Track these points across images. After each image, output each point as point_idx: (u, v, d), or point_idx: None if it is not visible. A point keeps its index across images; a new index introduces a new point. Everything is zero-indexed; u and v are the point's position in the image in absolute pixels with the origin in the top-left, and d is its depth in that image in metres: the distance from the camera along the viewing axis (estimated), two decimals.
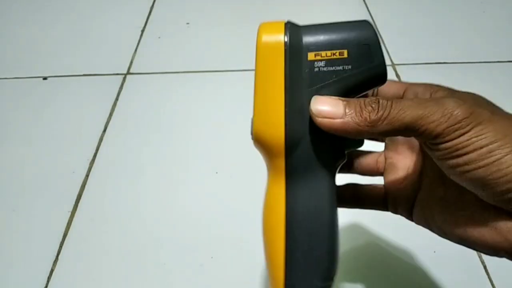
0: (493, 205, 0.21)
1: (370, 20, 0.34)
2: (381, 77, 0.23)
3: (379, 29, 0.68)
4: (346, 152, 0.24)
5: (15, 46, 0.67)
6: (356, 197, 0.29)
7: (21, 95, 0.58)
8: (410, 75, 0.59)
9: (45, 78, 0.61)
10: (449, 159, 0.20)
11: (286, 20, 0.23)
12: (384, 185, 0.28)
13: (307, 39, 0.22)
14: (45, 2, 0.76)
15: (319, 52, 0.22)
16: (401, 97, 0.25)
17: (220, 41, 0.66)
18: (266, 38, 0.22)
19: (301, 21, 0.23)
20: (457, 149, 0.20)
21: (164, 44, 0.66)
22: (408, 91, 0.25)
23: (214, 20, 0.71)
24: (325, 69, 0.22)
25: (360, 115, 0.21)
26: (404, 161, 0.27)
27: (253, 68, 0.23)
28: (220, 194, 0.45)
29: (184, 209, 0.44)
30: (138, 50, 0.65)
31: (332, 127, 0.21)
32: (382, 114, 0.21)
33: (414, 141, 0.27)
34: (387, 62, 0.61)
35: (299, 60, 0.22)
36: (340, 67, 0.22)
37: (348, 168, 0.29)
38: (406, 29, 0.68)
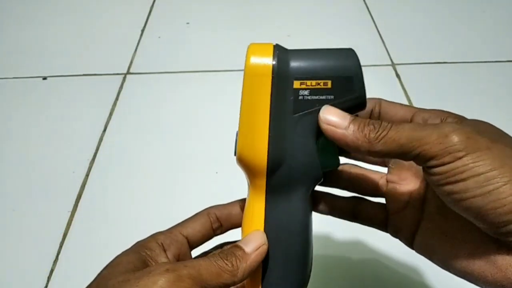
0: (494, 239, 0.20)
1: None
2: (361, 106, 0.24)
3: (379, 29, 0.68)
4: (322, 172, 0.25)
5: (15, 46, 0.67)
6: (357, 212, 0.28)
7: (21, 95, 0.58)
8: (410, 75, 0.59)
9: (44, 78, 0.61)
10: (445, 185, 0.20)
11: (274, 43, 0.24)
12: (385, 208, 0.28)
13: (294, 65, 0.23)
14: (45, 2, 0.76)
15: (305, 81, 0.23)
16: (408, 122, 0.25)
17: (220, 41, 0.66)
18: (255, 60, 0.23)
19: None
20: (454, 174, 0.20)
21: (164, 44, 0.66)
22: (416, 116, 0.25)
23: (214, 20, 0.71)
24: (309, 97, 0.23)
25: (361, 131, 0.22)
26: (406, 187, 0.27)
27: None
28: (220, 194, 0.45)
29: (184, 209, 0.44)
30: (138, 50, 0.65)
31: (334, 135, 0.22)
32: (380, 134, 0.21)
33: (419, 168, 0.26)
34: (388, 62, 0.61)
35: (285, 87, 0.23)
36: (323, 97, 0.23)
37: (345, 186, 0.29)
38: (406, 29, 0.68)
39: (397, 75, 0.59)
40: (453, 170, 0.19)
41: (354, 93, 0.23)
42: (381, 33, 0.67)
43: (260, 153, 0.23)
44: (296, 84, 0.23)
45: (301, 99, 0.23)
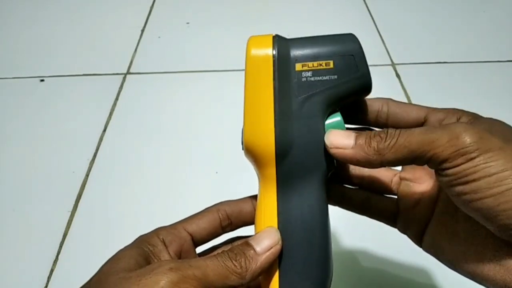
0: (505, 242, 0.20)
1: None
2: (367, 87, 0.24)
3: (379, 29, 0.68)
4: (335, 160, 0.24)
5: (15, 46, 0.67)
6: (367, 205, 0.28)
7: (21, 95, 0.58)
8: (410, 75, 0.59)
9: (42, 80, 0.61)
10: (456, 185, 0.20)
11: (274, 34, 0.24)
12: (396, 204, 0.28)
13: (295, 51, 0.24)
14: (45, 2, 0.76)
15: (306, 63, 0.23)
16: (422, 122, 0.25)
17: (220, 41, 0.66)
18: (255, 51, 0.23)
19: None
20: (465, 175, 0.19)
21: (164, 44, 0.66)
22: (431, 116, 0.25)
23: (214, 20, 0.71)
24: (312, 79, 0.23)
25: (369, 145, 0.21)
26: (419, 186, 0.26)
27: None
28: (220, 194, 0.45)
29: (184, 209, 0.44)
30: (138, 50, 0.65)
31: (344, 157, 0.22)
32: (389, 143, 0.21)
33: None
34: (388, 61, 0.61)
35: (287, 71, 0.23)
36: (327, 77, 0.23)
37: (357, 183, 0.29)
38: (406, 29, 0.68)
39: (397, 75, 0.59)
40: (465, 171, 0.19)
41: (357, 71, 0.23)
42: (381, 33, 0.67)
43: (267, 137, 0.23)
44: (298, 67, 0.23)
45: (304, 81, 0.23)
